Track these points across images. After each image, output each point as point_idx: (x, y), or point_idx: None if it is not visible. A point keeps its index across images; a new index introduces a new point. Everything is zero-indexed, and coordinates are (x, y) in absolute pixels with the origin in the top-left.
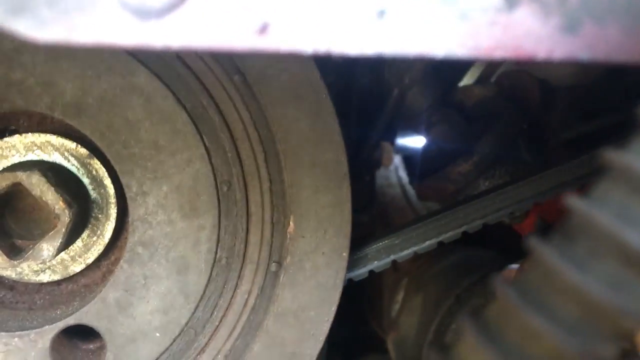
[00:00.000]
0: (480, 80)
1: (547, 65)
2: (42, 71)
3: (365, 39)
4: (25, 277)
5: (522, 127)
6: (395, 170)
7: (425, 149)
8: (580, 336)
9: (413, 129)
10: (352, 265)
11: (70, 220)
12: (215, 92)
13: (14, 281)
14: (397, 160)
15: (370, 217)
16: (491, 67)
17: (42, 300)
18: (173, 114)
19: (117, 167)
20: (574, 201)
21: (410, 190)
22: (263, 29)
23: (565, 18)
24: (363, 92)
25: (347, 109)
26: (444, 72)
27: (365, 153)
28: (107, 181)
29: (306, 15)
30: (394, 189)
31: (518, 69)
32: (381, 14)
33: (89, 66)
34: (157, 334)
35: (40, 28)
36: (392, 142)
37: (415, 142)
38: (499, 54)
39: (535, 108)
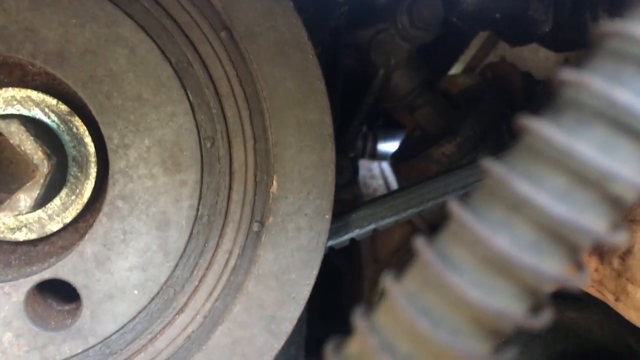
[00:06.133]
0: (466, 72)
1: (530, 58)
2: (25, 17)
3: None
4: (1, 235)
5: (505, 111)
6: (379, 162)
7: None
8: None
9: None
10: (333, 233)
11: (49, 172)
12: (201, 47)
13: None
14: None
15: (353, 195)
16: (477, 59)
17: (17, 261)
18: (157, 67)
19: (99, 119)
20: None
21: (393, 182)
22: None
23: None
24: (349, 71)
25: (333, 87)
26: (430, 57)
27: (351, 130)
28: (88, 139)
29: None
30: (377, 180)
31: (502, 61)
32: None
33: (73, 14)
34: (136, 292)
35: None
36: (377, 125)
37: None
38: None
39: (517, 98)
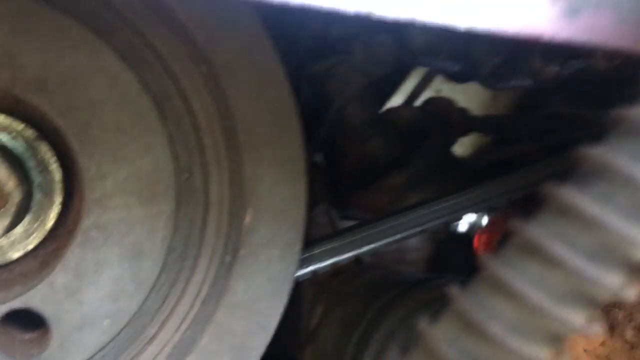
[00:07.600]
0: (408, 102)
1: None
2: (4, 43)
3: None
4: None
5: (450, 146)
6: None
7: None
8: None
9: None
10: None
11: (20, 200)
12: (182, 80)
13: None
14: None
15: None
16: (416, 92)
17: None
18: (137, 99)
19: (76, 148)
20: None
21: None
22: None
23: (568, 3)
24: (306, 103)
25: None
26: (378, 88)
27: None
28: (54, 166)
29: None
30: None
31: (440, 96)
32: None
33: (54, 43)
34: (105, 322)
35: None
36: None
37: None
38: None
39: (455, 133)
